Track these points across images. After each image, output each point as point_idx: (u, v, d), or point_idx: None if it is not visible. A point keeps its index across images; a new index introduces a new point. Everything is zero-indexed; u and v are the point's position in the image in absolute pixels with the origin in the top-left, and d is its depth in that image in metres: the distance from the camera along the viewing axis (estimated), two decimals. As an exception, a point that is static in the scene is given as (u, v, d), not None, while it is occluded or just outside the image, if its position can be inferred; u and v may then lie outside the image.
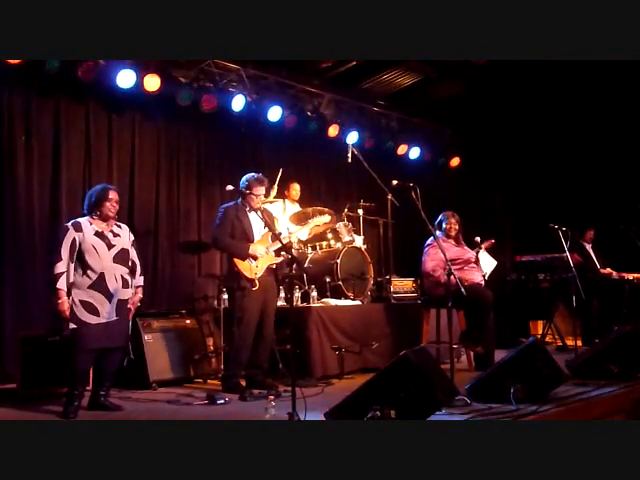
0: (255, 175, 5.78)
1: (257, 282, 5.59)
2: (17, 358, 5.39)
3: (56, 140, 6.55)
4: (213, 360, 6.45)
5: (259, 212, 5.60)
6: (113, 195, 4.93)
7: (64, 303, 4.64)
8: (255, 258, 5.64)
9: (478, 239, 6.76)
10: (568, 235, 6.84)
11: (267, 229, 5.63)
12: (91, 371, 4.95)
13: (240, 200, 5.80)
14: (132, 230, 7.00)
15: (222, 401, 5.03)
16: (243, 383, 5.71)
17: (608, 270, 8.53)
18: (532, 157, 9.91)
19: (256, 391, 5.32)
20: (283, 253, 6.03)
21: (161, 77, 6.70)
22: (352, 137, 8.43)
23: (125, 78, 6.46)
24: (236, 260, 5.58)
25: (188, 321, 6.47)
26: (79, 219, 4.86)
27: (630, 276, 8.47)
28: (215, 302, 6.87)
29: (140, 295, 5.09)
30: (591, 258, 8.65)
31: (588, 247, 8.75)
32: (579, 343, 6.95)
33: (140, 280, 5.10)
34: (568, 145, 9.56)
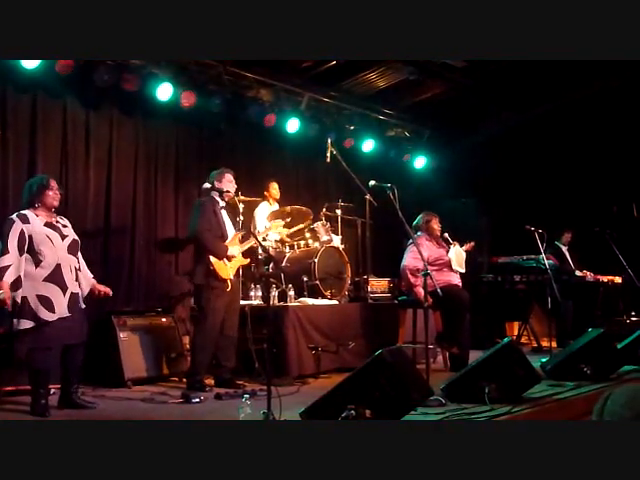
0: (225, 170, 5.82)
1: (229, 283, 5.59)
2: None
3: (32, 135, 6.47)
4: (189, 359, 6.42)
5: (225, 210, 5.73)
6: (54, 183, 4.83)
7: (7, 293, 4.41)
8: (230, 259, 5.64)
9: (447, 235, 6.79)
10: (544, 237, 6.90)
11: (235, 229, 5.84)
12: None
13: (215, 196, 5.81)
14: (108, 227, 7.01)
15: (197, 400, 5.02)
16: (212, 382, 5.75)
17: (584, 272, 8.62)
18: (510, 159, 9.97)
19: (222, 390, 5.32)
20: (260, 251, 6.06)
21: (140, 75, 6.67)
22: (331, 136, 8.42)
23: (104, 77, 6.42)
24: (212, 258, 5.57)
25: (164, 319, 6.44)
26: (23, 211, 4.69)
27: (605, 278, 8.56)
28: (192, 300, 6.83)
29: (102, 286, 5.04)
30: (567, 260, 8.73)
31: (564, 249, 8.83)
32: (554, 344, 7.01)
33: (89, 272, 5.03)
34: (545, 147, 9.63)
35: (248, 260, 5.95)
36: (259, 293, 6.61)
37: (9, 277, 4.49)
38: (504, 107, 9.61)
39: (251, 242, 5.88)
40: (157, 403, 5.10)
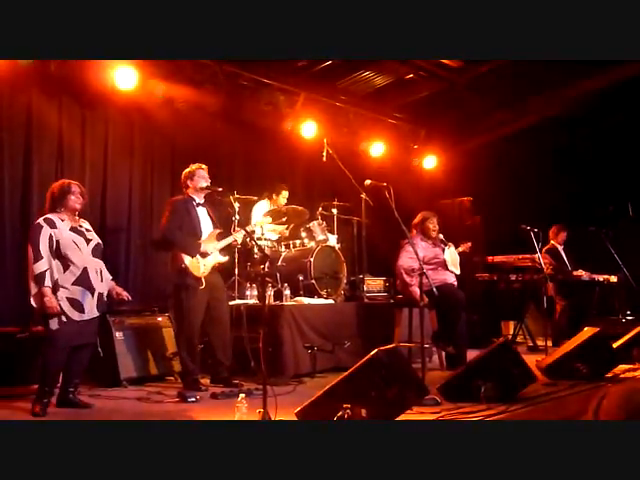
0: (195, 166, 5.77)
1: (204, 281, 5.55)
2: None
3: (28, 135, 6.46)
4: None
5: (206, 208, 5.71)
6: (76, 188, 4.87)
7: (52, 300, 4.50)
8: (205, 255, 5.59)
9: (441, 236, 6.79)
10: (540, 236, 6.91)
11: (213, 226, 5.73)
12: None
13: (190, 194, 5.76)
14: (104, 227, 7.00)
15: (193, 399, 5.02)
16: (208, 381, 5.73)
17: (580, 271, 8.62)
18: (505, 158, 9.98)
19: (218, 389, 5.31)
20: (256, 250, 6.02)
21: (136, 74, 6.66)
22: (327, 136, 8.41)
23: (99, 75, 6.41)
24: (183, 256, 5.52)
25: (160, 318, 6.42)
26: (48, 215, 4.73)
27: (600, 278, 8.57)
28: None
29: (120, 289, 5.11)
30: (562, 259, 8.73)
31: (560, 248, 8.83)
32: (549, 343, 7.02)
33: (108, 273, 5.05)
34: (541, 147, 9.64)
35: (226, 258, 5.85)
36: (255, 292, 6.58)
37: (49, 282, 4.54)
38: (499, 106, 9.61)
39: (229, 240, 5.79)
40: (153, 402, 5.08)
